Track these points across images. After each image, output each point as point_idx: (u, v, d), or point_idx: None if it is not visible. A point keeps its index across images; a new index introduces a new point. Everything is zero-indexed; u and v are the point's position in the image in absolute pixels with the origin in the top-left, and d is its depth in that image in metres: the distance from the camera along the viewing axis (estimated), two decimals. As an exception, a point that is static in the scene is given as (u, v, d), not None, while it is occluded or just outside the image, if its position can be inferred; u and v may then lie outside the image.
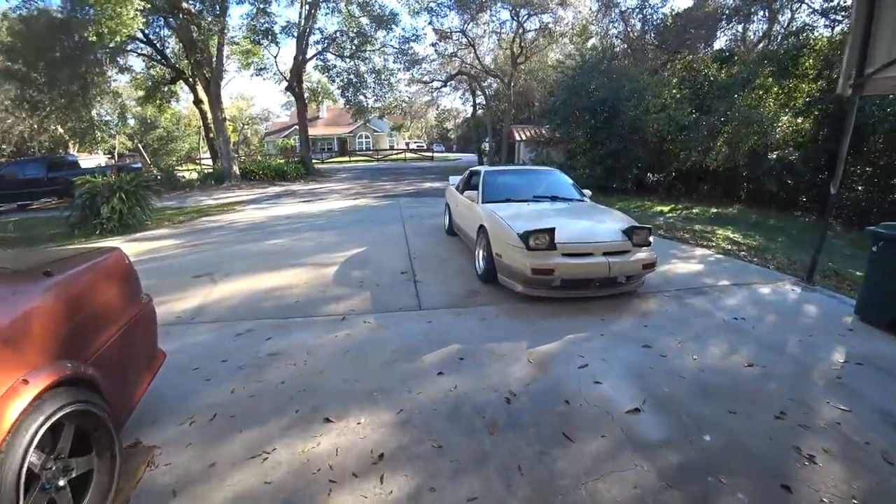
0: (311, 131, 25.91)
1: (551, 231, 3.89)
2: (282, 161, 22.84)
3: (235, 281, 5.02)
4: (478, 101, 29.61)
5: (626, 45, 16.84)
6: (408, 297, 4.44)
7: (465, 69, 25.58)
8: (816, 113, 11.32)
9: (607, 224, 4.46)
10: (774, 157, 11.77)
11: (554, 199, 5.51)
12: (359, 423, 2.46)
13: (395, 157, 38.30)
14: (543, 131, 19.25)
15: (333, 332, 3.62)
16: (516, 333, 3.58)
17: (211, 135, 19.91)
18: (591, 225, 4.46)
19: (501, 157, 24.05)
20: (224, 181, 17.12)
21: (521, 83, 25.54)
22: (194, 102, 20.36)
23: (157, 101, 20.87)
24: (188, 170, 25.28)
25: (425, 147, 47.76)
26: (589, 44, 20.33)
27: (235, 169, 17.79)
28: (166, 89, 20.75)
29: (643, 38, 16.97)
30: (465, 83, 28.92)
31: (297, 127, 26.92)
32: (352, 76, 21.75)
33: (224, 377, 2.96)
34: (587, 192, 6.00)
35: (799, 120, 11.80)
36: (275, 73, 22.93)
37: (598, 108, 13.69)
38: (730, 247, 6.85)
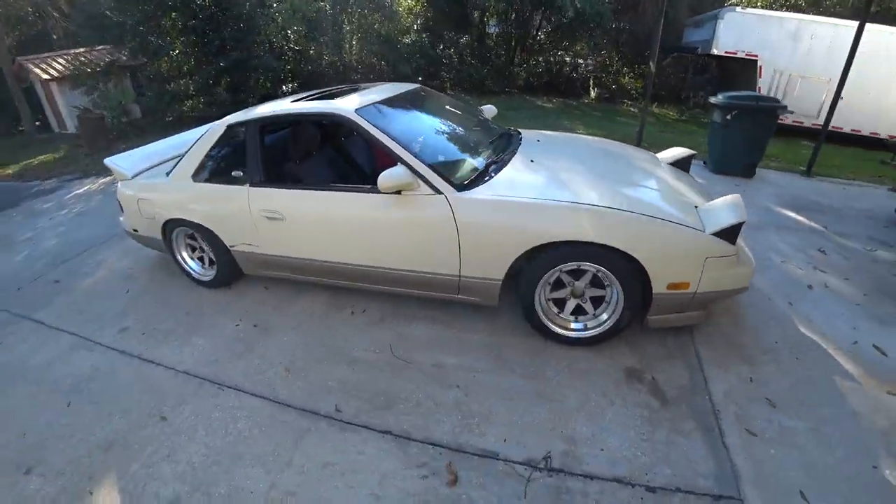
0: None
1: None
2: None
3: None
4: None
5: None
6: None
7: None
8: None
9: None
10: (407, 42, 11.75)
11: (504, 137, 2.99)
12: None
13: None
14: (102, 56, 10.95)
15: None
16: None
17: None
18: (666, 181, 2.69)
19: (24, 114, 12.10)
20: None
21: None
22: None
23: None
24: None
25: None
26: None
27: None
28: None
29: None
30: None
31: None
32: None
33: None
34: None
35: (411, 2, 11.94)
36: None
37: (196, 4, 8.81)
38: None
